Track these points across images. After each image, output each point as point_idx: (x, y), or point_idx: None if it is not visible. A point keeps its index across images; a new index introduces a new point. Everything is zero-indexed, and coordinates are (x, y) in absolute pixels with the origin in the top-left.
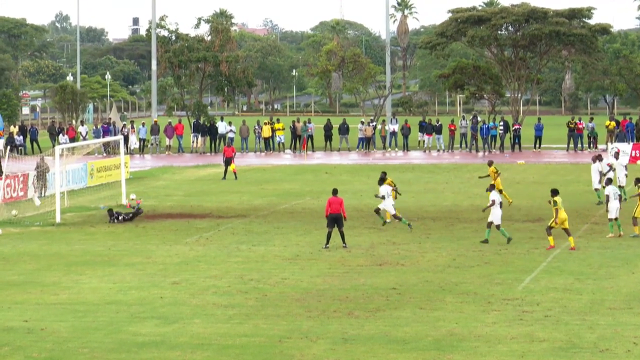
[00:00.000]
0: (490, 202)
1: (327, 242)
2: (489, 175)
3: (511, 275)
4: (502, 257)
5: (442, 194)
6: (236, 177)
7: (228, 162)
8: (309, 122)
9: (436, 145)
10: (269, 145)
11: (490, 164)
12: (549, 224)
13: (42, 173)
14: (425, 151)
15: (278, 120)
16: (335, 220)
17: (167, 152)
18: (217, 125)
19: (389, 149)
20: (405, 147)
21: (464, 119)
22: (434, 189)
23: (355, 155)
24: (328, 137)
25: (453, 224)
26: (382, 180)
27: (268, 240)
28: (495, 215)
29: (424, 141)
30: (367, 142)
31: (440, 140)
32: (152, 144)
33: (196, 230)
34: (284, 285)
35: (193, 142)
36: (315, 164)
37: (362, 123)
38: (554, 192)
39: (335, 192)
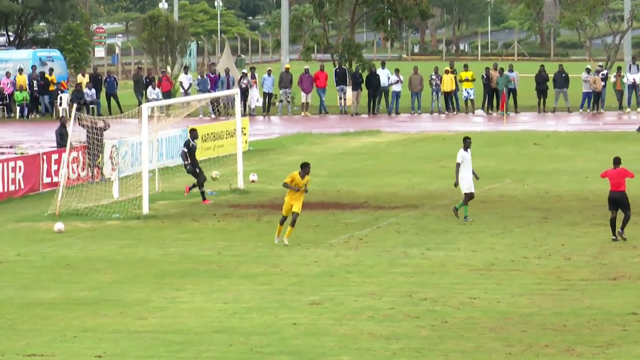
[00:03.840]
0: None
1: (613, 233)
2: None
3: None
4: None
5: None
6: None
7: None
8: (510, 70)
9: None
10: (451, 102)
11: None
12: None
13: (96, 139)
14: None
15: (466, 68)
16: (618, 201)
17: (303, 113)
18: (376, 74)
19: (627, 109)
20: None
21: None
22: None
23: (579, 117)
24: (540, 91)
25: None
26: (463, 140)
27: (449, 242)
28: None
29: None
30: (595, 99)
31: None
32: (281, 101)
33: (345, 226)
34: (473, 307)
35: (341, 98)
36: (519, 130)
37: (588, 71)
38: None
39: (617, 161)
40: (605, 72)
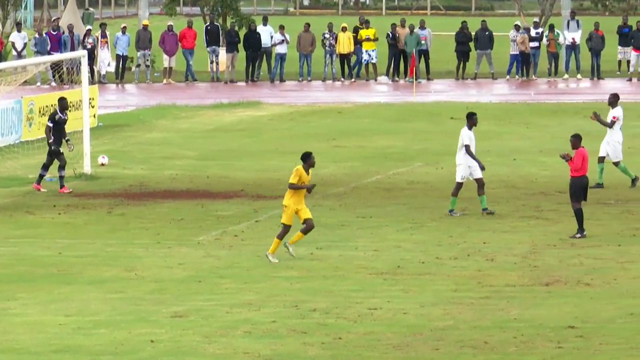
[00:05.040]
0: None
1: (582, 227)
2: None
3: None
4: None
5: None
6: None
7: None
8: (422, 28)
9: None
10: (348, 67)
11: None
12: None
13: None
14: (630, 79)
15: (366, 24)
16: (586, 188)
17: (165, 80)
18: (257, 32)
19: (565, 76)
20: (595, 72)
21: None
22: None
23: (505, 85)
24: (461, 54)
25: None
26: (467, 116)
27: (346, 239)
28: None
29: (627, 61)
30: (525, 63)
31: None
32: (138, 66)
33: (216, 220)
34: (373, 320)
35: (212, 62)
36: (432, 101)
37: (518, 29)
38: None
39: (579, 139)
40: (540, 30)
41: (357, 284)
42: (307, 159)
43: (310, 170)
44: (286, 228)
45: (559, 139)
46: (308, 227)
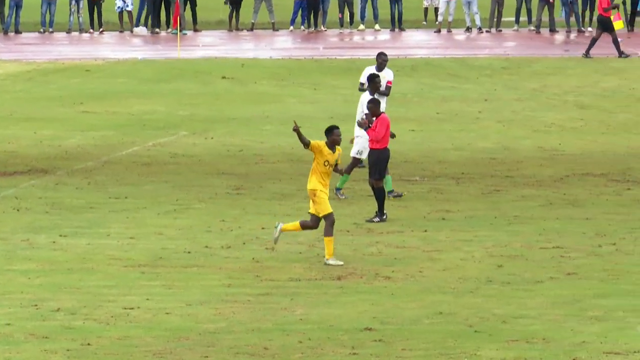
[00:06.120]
0: None
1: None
2: None
3: (628, 299)
4: (608, 260)
5: (477, 128)
6: None
7: None
8: None
9: (462, 16)
10: (97, 14)
11: None
12: None
13: None
14: (439, 30)
15: None
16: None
17: None
18: None
19: (361, 26)
20: (396, 22)
21: None
22: (461, 115)
23: (289, 37)
24: (231, 2)
25: (500, 188)
26: (372, 85)
27: (96, 224)
28: None
29: (435, 9)
30: (311, 11)
31: (473, 5)
32: None
33: None
34: (129, 322)
35: None
36: (199, 57)
37: None
38: None
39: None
40: None
41: (109, 279)
42: (330, 134)
43: (337, 149)
44: (330, 218)
45: (353, 103)
46: (315, 224)
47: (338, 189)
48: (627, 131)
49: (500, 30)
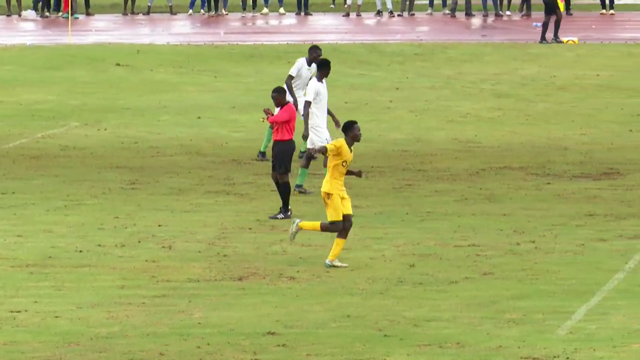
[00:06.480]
0: None
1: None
2: None
3: (548, 300)
4: (526, 259)
5: (388, 118)
6: None
7: None
8: None
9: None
10: None
11: None
12: None
13: None
14: (348, 14)
15: None
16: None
17: None
18: None
19: (265, 10)
20: (302, 5)
21: None
22: (371, 104)
23: (187, 23)
24: None
25: (413, 182)
26: (324, 71)
27: None
28: None
29: None
30: None
31: None
32: None
33: None
34: (16, 326)
35: None
36: (92, 43)
37: None
38: None
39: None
40: None
41: None
42: (350, 130)
43: (352, 147)
44: (338, 225)
45: (256, 92)
46: (346, 225)
47: (298, 186)
48: (546, 121)
49: (413, 14)
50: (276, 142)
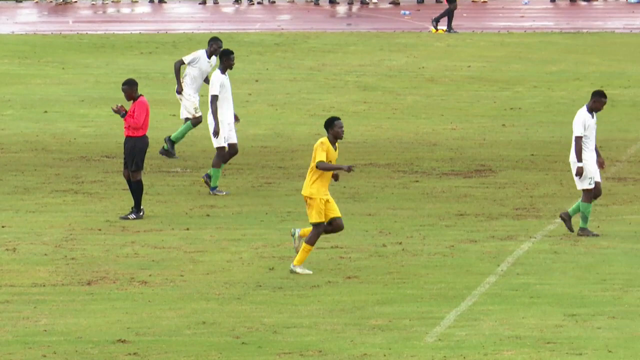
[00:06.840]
0: None
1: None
2: None
3: (416, 306)
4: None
5: (247, 113)
6: None
7: None
8: None
9: None
10: None
11: None
12: None
13: None
14: (204, 2)
15: None
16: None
17: None
18: None
19: None
20: None
21: None
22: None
23: (34, 11)
24: None
25: (272, 180)
26: (226, 61)
27: None
28: None
29: None
30: None
31: None
32: None
33: None
34: None
35: None
36: None
37: None
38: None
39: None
40: None
41: None
42: (331, 126)
43: (337, 144)
44: (319, 228)
45: (107, 85)
46: (336, 228)
47: (213, 188)
48: (415, 115)
49: (274, 2)
50: (128, 138)
